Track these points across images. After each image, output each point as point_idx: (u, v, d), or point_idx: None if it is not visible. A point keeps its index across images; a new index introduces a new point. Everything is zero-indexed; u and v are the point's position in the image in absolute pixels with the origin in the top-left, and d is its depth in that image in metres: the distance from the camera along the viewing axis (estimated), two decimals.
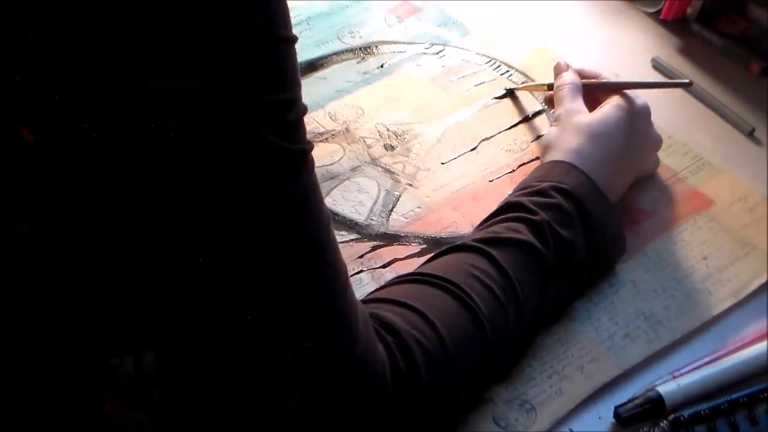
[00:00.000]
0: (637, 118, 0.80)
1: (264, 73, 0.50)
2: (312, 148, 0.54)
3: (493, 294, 0.65)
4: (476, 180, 0.85)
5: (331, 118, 0.91)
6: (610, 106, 0.80)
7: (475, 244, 0.68)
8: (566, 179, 0.74)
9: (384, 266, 0.77)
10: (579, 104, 0.81)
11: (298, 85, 0.53)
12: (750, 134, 0.91)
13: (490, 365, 0.66)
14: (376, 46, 0.99)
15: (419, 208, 0.83)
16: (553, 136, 0.80)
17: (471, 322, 0.63)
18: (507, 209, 0.73)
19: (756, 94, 0.95)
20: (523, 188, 0.75)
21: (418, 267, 0.69)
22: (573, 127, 0.79)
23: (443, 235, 0.80)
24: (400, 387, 0.58)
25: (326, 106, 0.92)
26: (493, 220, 0.72)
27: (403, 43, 0.99)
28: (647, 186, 0.85)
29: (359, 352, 0.56)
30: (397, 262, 0.78)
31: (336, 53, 0.98)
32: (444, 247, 0.70)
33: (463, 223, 0.81)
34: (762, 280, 0.78)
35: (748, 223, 0.82)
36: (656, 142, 0.82)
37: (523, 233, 0.69)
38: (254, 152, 0.50)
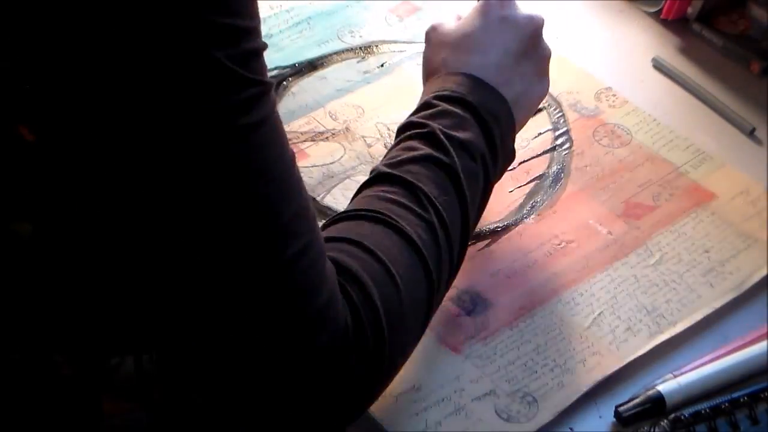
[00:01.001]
0: (488, 9, 0.78)
1: None
2: (272, 86, 0.54)
3: (413, 211, 0.64)
4: None
5: (331, 117, 0.91)
6: (470, 12, 0.79)
7: (383, 170, 0.68)
8: (444, 85, 0.73)
9: None
10: (442, 21, 0.80)
11: (256, 17, 0.54)
12: (750, 134, 0.91)
13: (434, 291, 0.65)
14: (377, 46, 0.99)
15: None
16: (424, 64, 0.79)
17: (410, 250, 0.63)
18: (400, 131, 0.72)
19: (756, 94, 0.95)
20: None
21: (346, 209, 0.67)
22: (436, 44, 0.78)
23: None
24: (360, 343, 0.57)
25: (327, 105, 0.92)
26: (392, 145, 0.72)
27: (404, 42, 0.99)
28: (648, 180, 0.85)
29: (323, 301, 0.56)
30: None
31: (336, 52, 0.98)
32: (359, 186, 0.69)
33: None
34: (763, 272, 0.78)
35: (749, 216, 0.83)
36: (525, 19, 0.78)
37: (420, 148, 0.69)
38: (205, 73, 0.50)
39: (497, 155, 0.72)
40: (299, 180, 0.57)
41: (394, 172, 0.67)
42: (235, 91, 0.52)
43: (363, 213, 0.64)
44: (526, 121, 0.79)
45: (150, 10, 0.49)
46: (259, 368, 0.54)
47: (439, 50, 0.78)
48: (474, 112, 0.71)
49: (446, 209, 0.66)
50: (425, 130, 0.70)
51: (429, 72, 0.78)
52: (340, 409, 0.58)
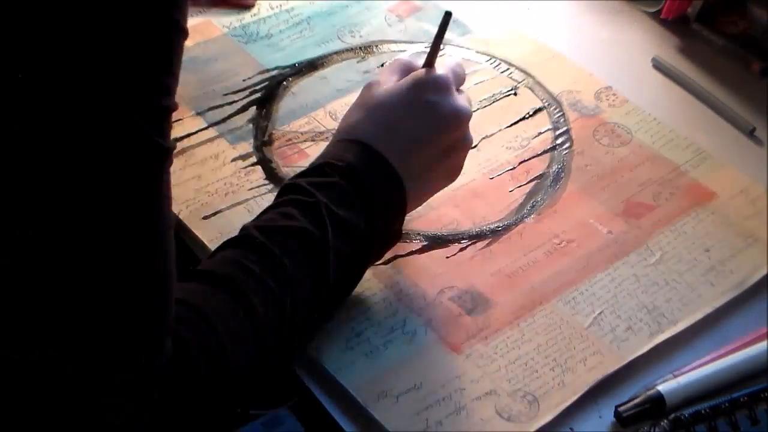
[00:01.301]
0: (421, 88, 0.73)
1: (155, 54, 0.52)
2: (171, 150, 0.55)
3: (266, 286, 0.64)
4: (477, 177, 0.85)
5: (331, 117, 0.91)
6: (403, 80, 0.74)
7: (251, 234, 0.67)
8: (343, 155, 0.71)
9: (386, 263, 0.77)
10: (384, 78, 0.76)
11: (176, 74, 0.55)
12: (750, 134, 0.91)
13: (267, 354, 0.64)
14: (377, 46, 0.99)
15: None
16: (344, 116, 0.76)
17: (248, 320, 0.62)
18: (284, 191, 0.70)
19: (756, 94, 0.95)
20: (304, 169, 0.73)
21: (203, 263, 0.67)
22: (359, 103, 0.75)
23: (444, 232, 0.80)
24: (178, 384, 0.58)
25: (327, 105, 0.92)
26: (272, 204, 0.70)
27: (404, 42, 0.99)
28: (648, 179, 0.85)
29: (162, 363, 0.56)
30: (398, 259, 0.78)
31: (336, 52, 0.98)
32: (223, 241, 0.68)
33: (464, 220, 0.81)
34: (763, 272, 0.78)
35: (749, 215, 0.83)
36: (453, 112, 0.73)
37: (297, 218, 0.67)
38: (109, 120, 0.51)
39: (376, 238, 0.71)
40: (171, 247, 0.57)
41: (264, 241, 0.65)
42: (135, 145, 0.53)
43: (218, 277, 0.63)
44: (419, 205, 0.77)
45: (81, 49, 0.50)
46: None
47: (357, 109, 0.75)
48: (364, 194, 0.69)
49: (303, 289, 0.65)
50: (309, 200, 0.68)
51: (342, 126, 0.75)
52: None
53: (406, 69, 0.76)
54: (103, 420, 0.56)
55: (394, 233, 0.74)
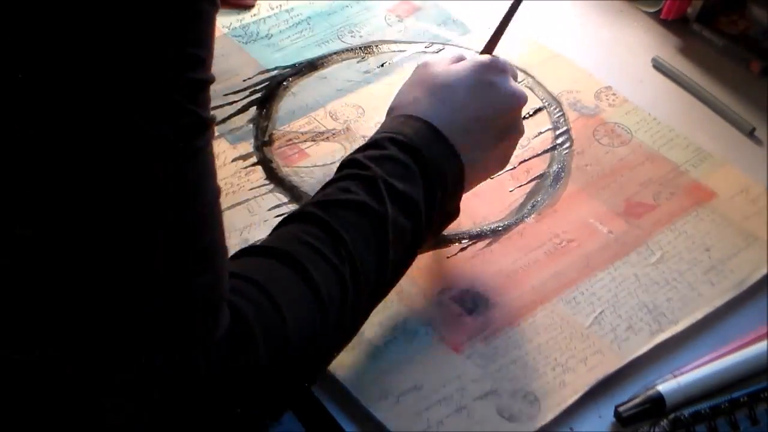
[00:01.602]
0: (483, 69, 0.75)
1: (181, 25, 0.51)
2: (212, 120, 0.55)
3: (328, 260, 0.63)
4: None
5: (331, 117, 0.91)
6: (465, 62, 0.77)
7: (310, 210, 0.66)
8: (403, 129, 0.71)
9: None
10: (438, 61, 0.77)
11: (210, 49, 0.54)
12: (750, 134, 0.92)
13: (329, 333, 0.63)
14: (377, 46, 0.99)
15: None
16: (398, 93, 0.77)
17: (314, 302, 0.61)
18: (343, 167, 0.70)
19: (756, 94, 0.95)
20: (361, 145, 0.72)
21: (265, 240, 0.67)
22: (417, 81, 0.76)
23: (444, 232, 0.80)
24: (239, 372, 0.57)
25: (327, 105, 0.92)
26: (331, 179, 0.70)
27: (404, 42, 0.99)
28: (649, 179, 0.85)
29: (207, 342, 0.55)
30: None
31: (336, 52, 0.98)
32: (284, 217, 0.68)
33: (464, 219, 0.81)
34: (763, 271, 0.78)
35: (749, 215, 0.83)
36: (512, 93, 0.75)
37: (356, 192, 0.67)
38: (148, 97, 0.51)
39: (434, 216, 0.70)
40: (219, 218, 0.57)
41: (322, 215, 0.65)
42: (173, 119, 0.52)
43: (279, 252, 0.63)
44: (473, 187, 0.76)
45: (104, 29, 0.49)
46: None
47: (416, 87, 0.75)
48: (423, 168, 0.69)
49: (364, 262, 0.65)
50: (367, 173, 0.68)
51: (397, 103, 0.75)
52: None
53: (461, 58, 0.78)
54: (152, 403, 0.55)
55: (452, 211, 0.74)
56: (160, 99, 0.51)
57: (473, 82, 0.74)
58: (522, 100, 0.75)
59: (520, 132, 0.77)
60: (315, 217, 0.65)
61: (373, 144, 0.71)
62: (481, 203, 0.83)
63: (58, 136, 0.50)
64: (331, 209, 0.66)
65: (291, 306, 0.60)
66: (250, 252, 0.64)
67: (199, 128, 0.54)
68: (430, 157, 0.70)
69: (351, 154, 0.71)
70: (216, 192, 0.56)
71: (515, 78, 0.77)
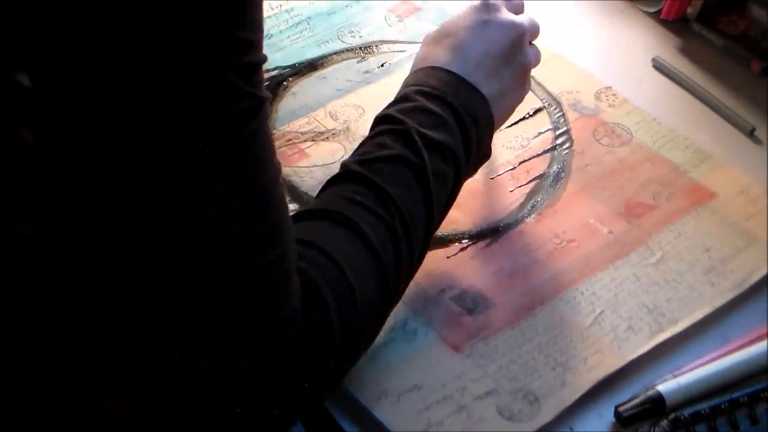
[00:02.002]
0: (475, 12, 0.78)
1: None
2: (267, 99, 0.55)
3: (379, 216, 0.65)
4: (477, 177, 0.85)
5: (332, 117, 0.91)
6: (458, 12, 0.80)
7: (351, 169, 0.68)
8: (428, 80, 0.74)
9: None
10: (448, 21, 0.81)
11: (261, 30, 0.55)
12: (750, 134, 0.91)
13: (388, 289, 0.65)
14: (377, 46, 0.99)
15: None
16: (417, 53, 0.80)
17: (371, 257, 0.63)
18: (376, 123, 0.72)
19: (756, 94, 0.95)
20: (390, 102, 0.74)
21: (313, 204, 0.68)
22: (426, 40, 0.79)
23: (444, 232, 0.80)
24: (312, 353, 0.58)
25: (327, 105, 0.92)
26: (366, 137, 0.72)
27: (404, 42, 0.99)
28: (649, 179, 0.85)
29: (284, 313, 0.56)
30: None
31: (336, 53, 0.98)
32: (326, 180, 0.69)
33: (464, 220, 0.82)
34: (764, 271, 0.78)
35: (749, 215, 0.83)
36: (504, 23, 0.78)
37: (392, 146, 0.69)
38: (205, 82, 0.51)
39: (472, 156, 0.73)
40: (281, 193, 0.58)
41: (365, 172, 0.67)
42: (232, 102, 0.53)
43: (329, 214, 0.64)
44: (503, 123, 0.79)
45: (158, 17, 0.49)
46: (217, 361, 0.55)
47: (428, 43, 0.78)
48: (454, 113, 0.71)
49: (411, 213, 0.66)
50: (401, 127, 0.69)
51: (417, 60, 0.78)
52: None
53: None
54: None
55: (486, 150, 0.76)
56: (220, 83, 0.52)
57: (470, 23, 0.77)
58: (520, 27, 0.78)
59: (528, 58, 0.79)
60: (358, 176, 0.67)
61: (402, 98, 0.73)
62: (481, 203, 0.83)
63: (120, 132, 0.51)
64: (372, 165, 0.67)
65: (352, 266, 0.61)
66: (302, 216, 0.65)
67: (257, 108, 0.55)
68: (459, 103, 0.72)
69: (382, 110, 0.73)
70: (277, 168, 0.58)
71: (517, 10, 0.80)
